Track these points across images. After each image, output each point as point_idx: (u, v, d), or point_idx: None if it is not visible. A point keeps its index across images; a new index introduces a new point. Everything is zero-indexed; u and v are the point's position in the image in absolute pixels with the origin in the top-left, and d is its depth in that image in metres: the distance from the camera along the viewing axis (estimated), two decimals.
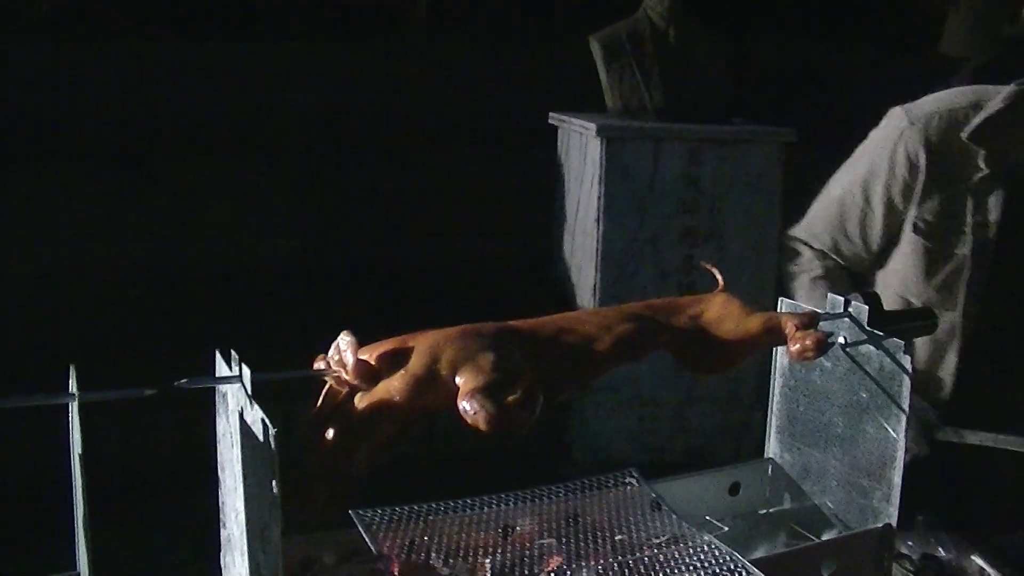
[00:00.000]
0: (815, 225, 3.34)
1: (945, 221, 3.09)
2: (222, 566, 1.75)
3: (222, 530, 1.73)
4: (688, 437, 6.07)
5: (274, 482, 1.41)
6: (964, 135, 3.00)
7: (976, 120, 3.00)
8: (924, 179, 3.07)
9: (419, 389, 1.62)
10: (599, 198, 5.71)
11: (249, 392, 1.50)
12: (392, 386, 1.62)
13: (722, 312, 1.93)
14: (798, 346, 1.89)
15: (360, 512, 1.90)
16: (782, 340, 1.93)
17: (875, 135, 3.20)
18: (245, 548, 1.60)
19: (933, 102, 3.13)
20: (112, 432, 5.02)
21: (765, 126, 6.07)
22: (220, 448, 1.70)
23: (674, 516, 2.01)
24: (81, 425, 1.45)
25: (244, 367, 1.53)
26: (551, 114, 6.36)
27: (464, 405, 1.57)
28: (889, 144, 3.10)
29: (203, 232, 6.82)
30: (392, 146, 7.26)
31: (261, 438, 1.45)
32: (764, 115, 6.26)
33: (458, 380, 1.62)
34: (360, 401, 1.64)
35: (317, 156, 7.15)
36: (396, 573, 1.80)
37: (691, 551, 1.88)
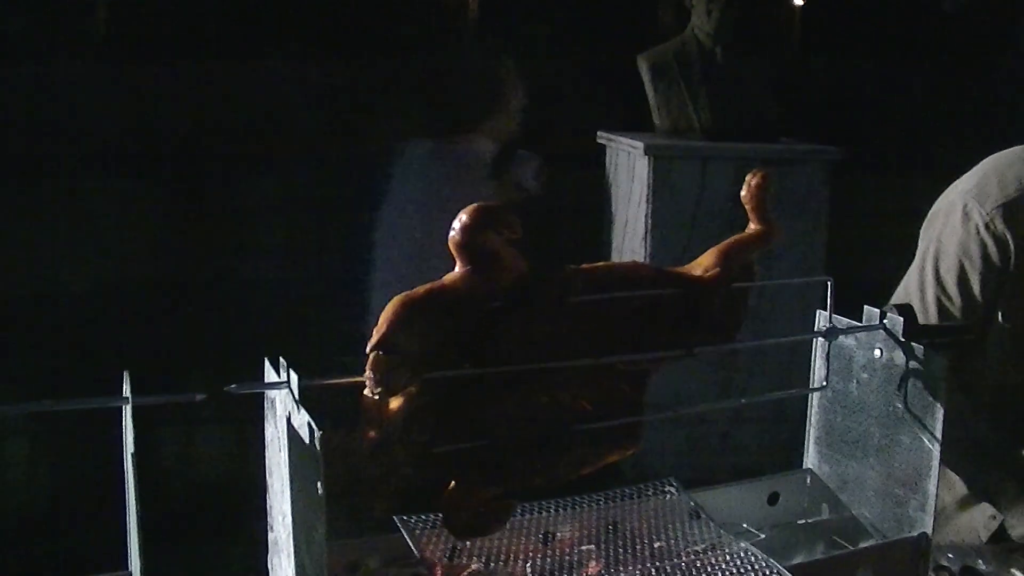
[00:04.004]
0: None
1: None
2: (269, 568, 1.80)
3: (269, 533, 1.78)
4: (735, 455, 6.08)
5: (319, 484, 1.46)
6: None
7: None
8: (1014, 267, 2.96)
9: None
10: (647, 216, 5.74)
11: (297, 397, 1.55)
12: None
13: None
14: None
15: (404, 517, 1.95)
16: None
17: (944, 232, 3.06)
18: (292, 550, 1.65)
19: (999, 186, 3.00)
20: (166, 438, 5.09)
21: (812, 145, 6.08)
22: (268, 452, 1.75)
23: (712, 524, 2.05)
24: (135, 428, 1.51)
25: (292, 372, 1.58)
26: (599, 133, 6.41)
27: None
28: (971, 242, 2.99)
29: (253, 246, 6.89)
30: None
31: (307, 441, 1.51)
32: (811, 134, 6.28)
33: None
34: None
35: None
36: None
37: (728, 558, 1.92)
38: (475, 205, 1.70)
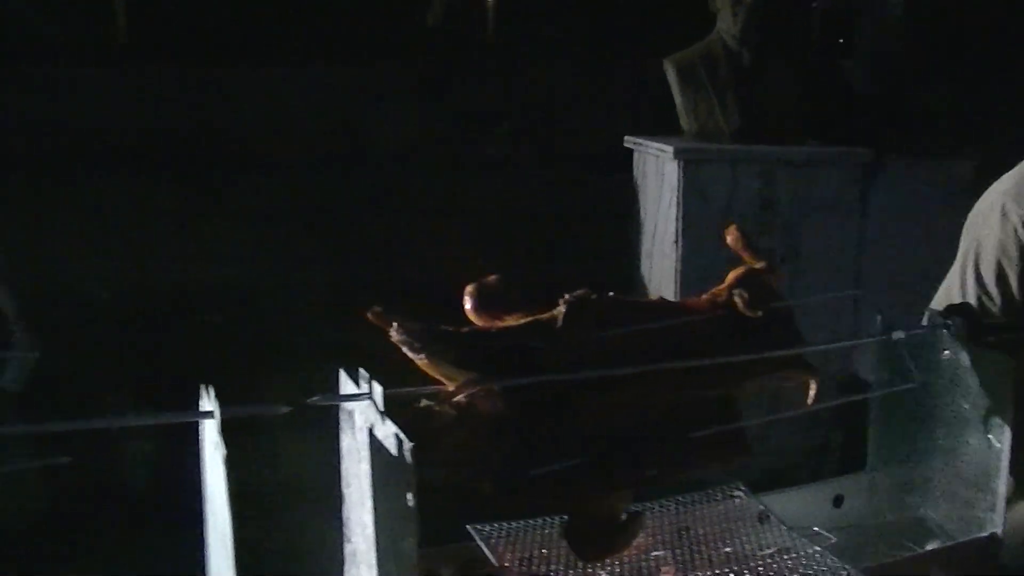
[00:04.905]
0: None
1: None
2: None
3: (346, 544, 1.78)
4: (768, 459, 6.06)
5: (410, 495, 1.46)
6: None
7: None
8: None
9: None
10: (677, 220, 5.73)
11: (381, 408, 1.56)
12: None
13: None
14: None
15: (478, 526, 1.96)
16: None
17: (983, 232, 3.04)
18: (373, 561, 1.66)
19: None
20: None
21: (841, 147, 6.07)
22: (345, 464, 1.75)
23: (784, 528, 2.05)
24: (224, 439, 1.51)
25: (375, 384, 1.59)
26: (627, 137, 6.39)
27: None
28: (1009, 241, 2.96)
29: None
30: (474, 168, 7.36)
31: (394, 452, 1.51)
32: (840, 136, 6.27)
33: None
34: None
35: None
36: None
37: (802, 562, 1.92)
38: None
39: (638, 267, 6.30)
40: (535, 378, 1.68)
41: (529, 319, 1.75)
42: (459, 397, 1.63)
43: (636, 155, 6.35)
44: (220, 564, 1.60)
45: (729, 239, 2.13)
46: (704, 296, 2.01)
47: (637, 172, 6.34)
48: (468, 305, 1.77)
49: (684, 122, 6.20)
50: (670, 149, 5.78)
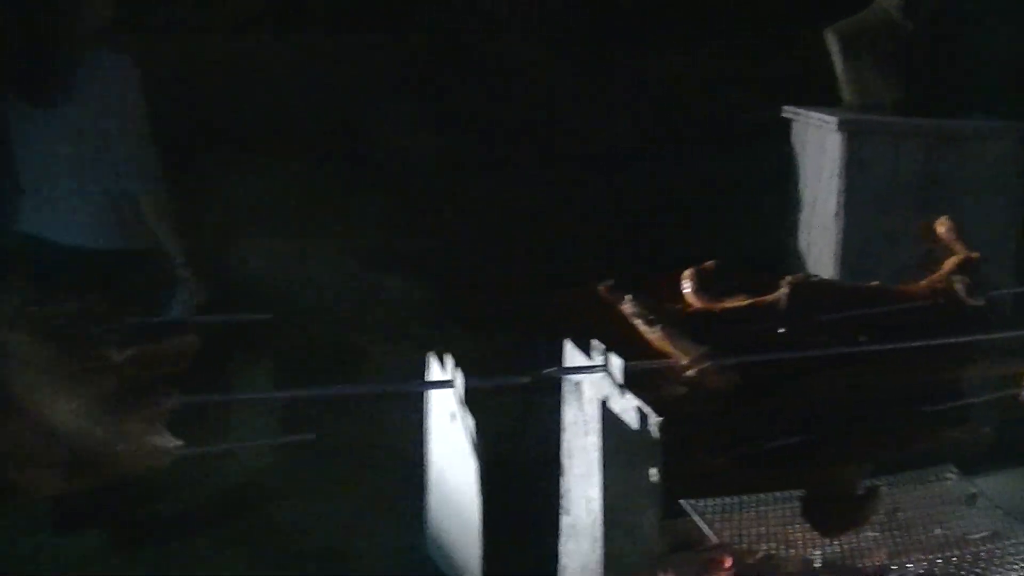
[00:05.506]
0: None
1: None
2: (561, 553, 1.79)
3: (564, 517, 1.77)
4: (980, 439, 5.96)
5: (654, 470, 1.45)
6: None
7: None
8: None
9: None
10: (839, 193, 5.65)
11: (620, 381, 1.55)
12: None
13: None
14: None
15: (692, 502, 1.95)
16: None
17: None
18: (598, 535, 1.65)
19: None
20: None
21: (1005, 120, 5.94)
22: (567, 436, 1.75)
23: (999, 511, 2.01)
24: (470, 409, 1.51)
25: (612, 356, 1.58)
26: (785, 107, 6.31)
27: None
28: None
29: None
30: (629, 143, 7.34)
31: (634, 426, 1.50)
32: (1004, 108, 6.13)
33: None
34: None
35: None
36: (729, 564, 1.84)
37: (1016, 548, 1.89)
38: None
39: (795, 238, 6.22)
40: (767, 355, 1.66)
41: (752, 300, 1.74)
42: (692, 370, 1.62)
43: (795, 125, 6.27)
44: (454, 531, 1.61)
45: (941, 229, 2.14)
46: (922, 283, 1.98)
47: (795, 142, 6.26)
48: (687, 288, 1.77)
49: (845, 93, 6.11)
50: (833, 120, 5.70)
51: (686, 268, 1.76)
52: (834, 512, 1.75)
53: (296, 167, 7.07)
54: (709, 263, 1.80)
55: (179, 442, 1.45)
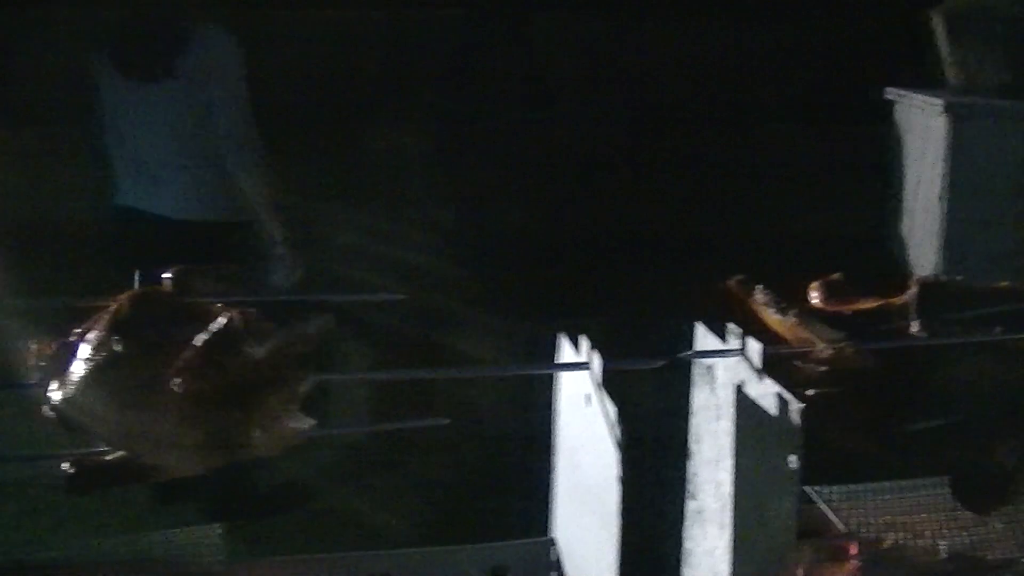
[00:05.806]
0: None
1: None
2: (685, 538, 1.78)
3: (690, 501, 1.76)
4: None
5: (793, 457, 1.43)
6: None
7: None
8: None
9: None
10: (943, 176, 5.58)
11: (758, 366, 1.53)
12: None
13: None
14: None
15: (818, 488, 1.92)
16: None
17: None
18: (727, 521, 1.63)
19: None
20: None
21: None
22: (696, 420, 1.73)
23: None
24: (607, 391, 1.50)
25: (749, 340, 1.56)
26: (887, 89, 6.24)
27: None
28: None
29: None
30: (725, 118, 7.31)
31: (774, 412, 1.48)
32: None
33: None
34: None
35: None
36: (855, 552, 1.82)
37: None
38: None
39: (897, 221, 6.15)
40: (904, 342, 1.64)
41: (883, 301, 1.72)
42: (828, 353, 1.60)
43: (897, 107, 6.20)
44: (586, 515, 1.60)
45: None
46: None
47: (898, 124, 6.18)
48: (816, 300, 1.74)
49: (951, 74, 6.03)
50: (940, 102, 5.63)
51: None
52: (988, 487, 1.72)
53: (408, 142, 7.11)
54: (836, 275, 1.77)
55: (314, 422, 1.45)
